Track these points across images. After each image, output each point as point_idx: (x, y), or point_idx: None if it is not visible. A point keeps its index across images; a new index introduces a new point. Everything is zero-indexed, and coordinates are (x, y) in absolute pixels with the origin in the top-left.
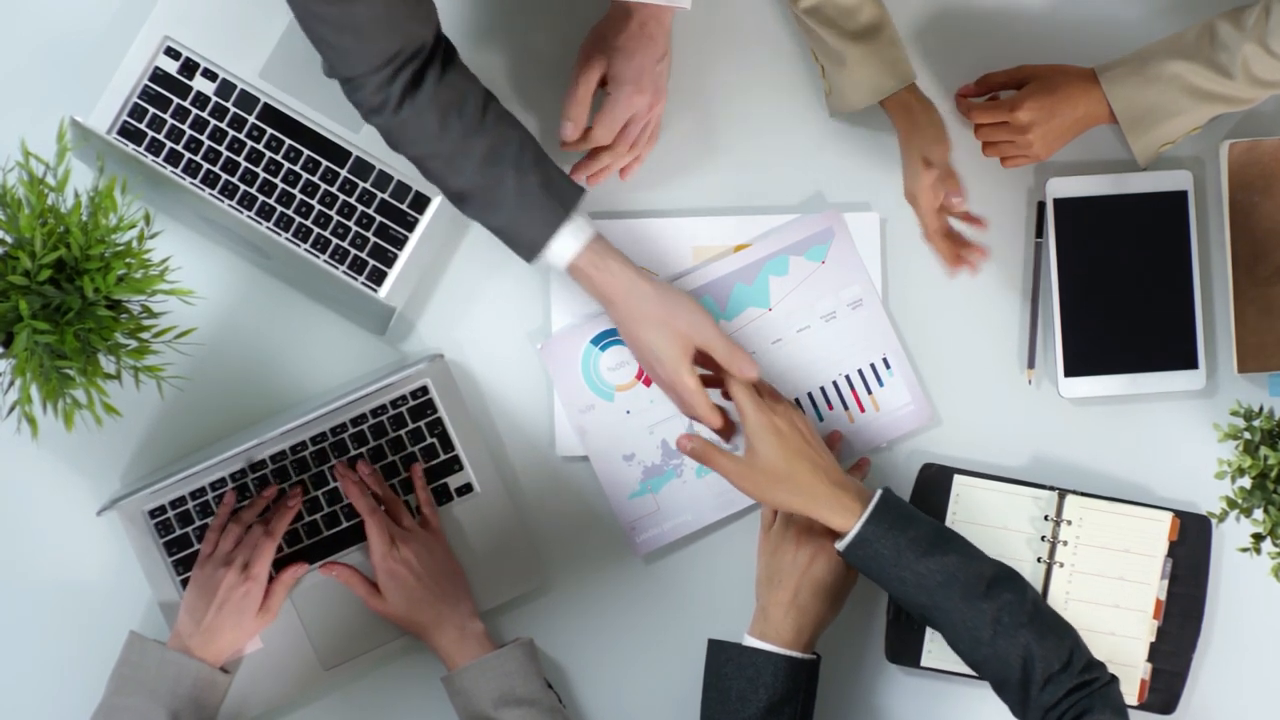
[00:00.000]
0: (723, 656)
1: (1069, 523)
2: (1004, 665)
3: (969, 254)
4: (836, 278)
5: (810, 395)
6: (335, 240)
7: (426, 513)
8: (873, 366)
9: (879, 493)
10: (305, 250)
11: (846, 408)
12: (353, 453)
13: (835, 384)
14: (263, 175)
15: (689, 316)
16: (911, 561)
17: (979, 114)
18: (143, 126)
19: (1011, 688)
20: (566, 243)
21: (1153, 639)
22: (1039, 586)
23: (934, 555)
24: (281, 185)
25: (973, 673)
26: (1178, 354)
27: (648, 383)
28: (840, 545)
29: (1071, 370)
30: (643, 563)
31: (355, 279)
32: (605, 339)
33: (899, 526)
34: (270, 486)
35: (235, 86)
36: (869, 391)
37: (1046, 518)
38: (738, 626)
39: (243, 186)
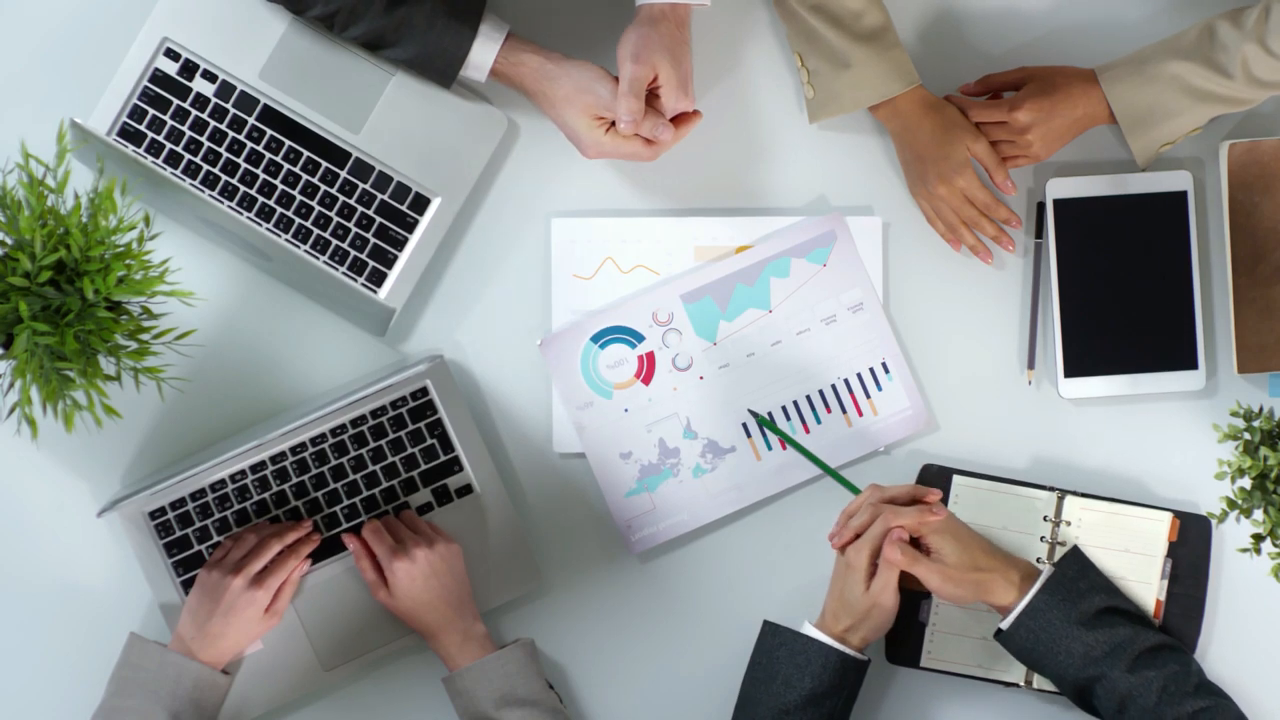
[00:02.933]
0: (776, 639)
1: (1068, 523)
2: None
3: (1001, 238)
4: (837, 281)
5: (809, 398)
6: (335, 241)
7: (431, 525)
8: (871, 371)
9: (1066, 558)
10: (305, 251)
11: (845, 411)
12: (352, 454)
13: (834, 387)
14: (262, 177)
15: (591, 88)
16: (1080, 634)
17: (979, 113)
18: (142, 128)
19: None
20: (482, 52)
21: None
22: None
23: (1103, 627)
24: (281, 186)
25: (976, 674)
26: (1178, 354)
27: (646, 381)
28: (1008, 621)
29: (1071, 371)
30: (641, 563)
31: (355, 280)
32: (605, 336)
33: (1075, 598)
34: (307, 520)
35: (235, 88)
36: (867, 396)
37: (1046, 518)
38: (736, 625)
39: (242, 188)
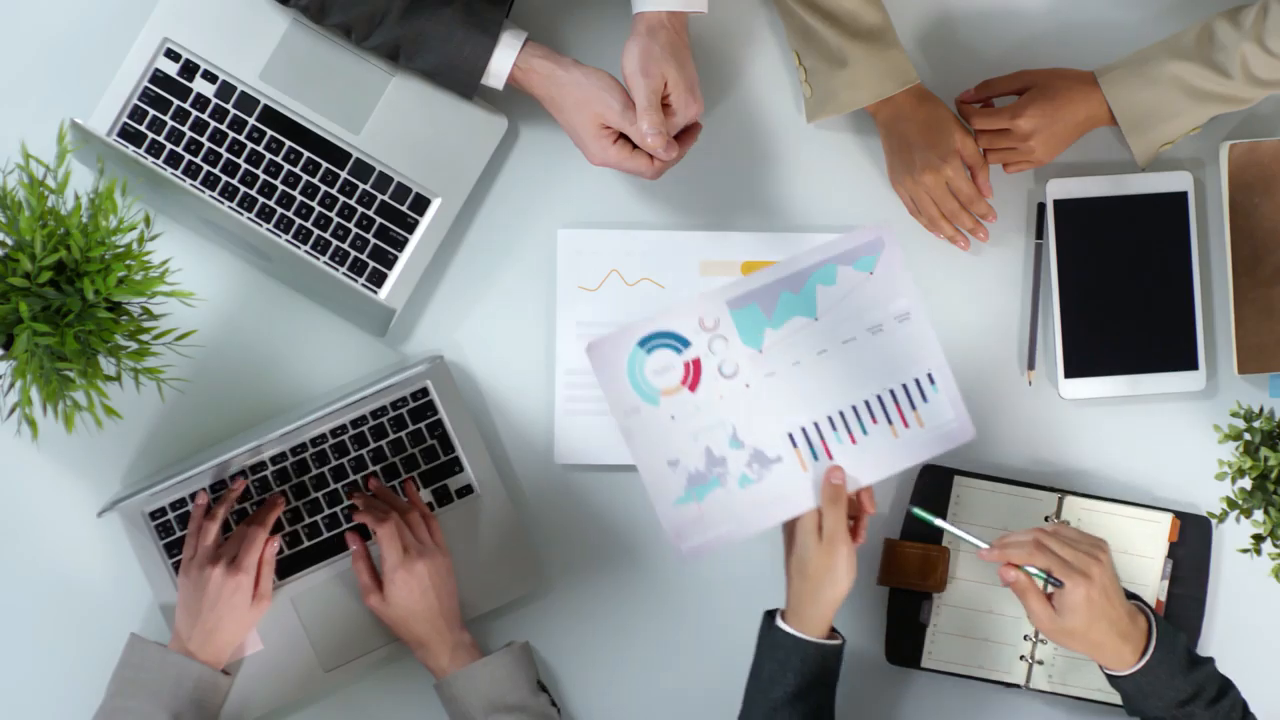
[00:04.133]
0: (765, 631)
1: (1069, 524)
2: None
3: (977, 230)
4: (885, 290)
5: (854, 408)
6: (335, 242)
7: (433, 529)
8: (917, 382)
9: (1155, 631)
10: (305, 252)
11: (890, 423)
12: (353, 454)
13: (879, 398)
14: (263, 177)
15: (600, 98)
16: (1180, 680)
17: (980, 120)
18: (143, 128)
19: None
20: (500, 60)
21: None
22: None
23: (1194, 671)
24: (281, 187)
25: (976, 674)
26: (1178, 355)
27: (693, 388)
28: (1122, 672)
29: (1071, 371)
30: (641, 566)
31: (355, 281)
32: (652, 341)
33: (1172, 658)
34: (239, 480)
35: (235, 88)
36: (913, 407)
37: (1046, 519)
38: (735, 631)
39: (243, 188)
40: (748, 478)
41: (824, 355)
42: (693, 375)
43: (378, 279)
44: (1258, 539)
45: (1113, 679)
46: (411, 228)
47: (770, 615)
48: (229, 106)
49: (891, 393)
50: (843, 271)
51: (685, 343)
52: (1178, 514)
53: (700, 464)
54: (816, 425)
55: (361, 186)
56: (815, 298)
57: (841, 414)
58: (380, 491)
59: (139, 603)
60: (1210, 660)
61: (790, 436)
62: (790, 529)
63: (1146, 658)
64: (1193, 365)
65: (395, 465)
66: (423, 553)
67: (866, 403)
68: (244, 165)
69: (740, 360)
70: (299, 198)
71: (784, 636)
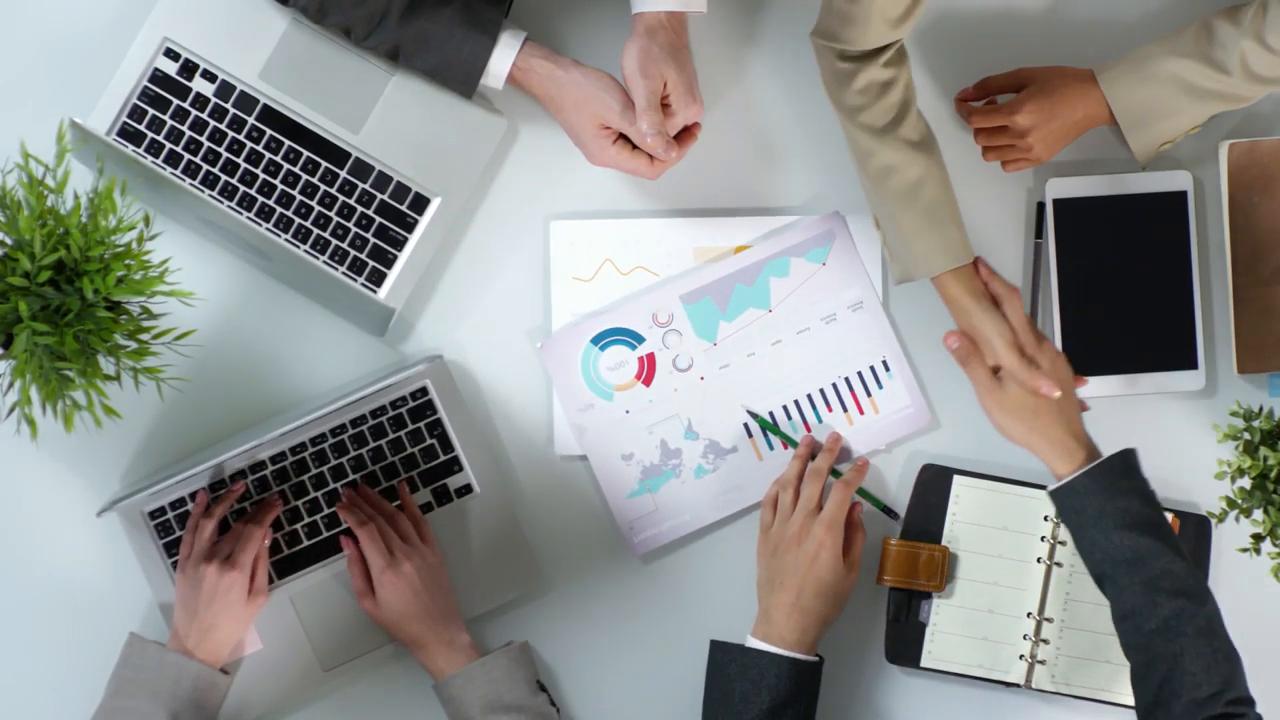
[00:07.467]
0: (725, 658)
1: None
2: (1152, 663)
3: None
4: (837, 280)
5: (809, 397)
6: (335, 241)
7: (422, 530)
8: (872, 369)
9: (1115, 454)
10: (305, 251)
11: (845, 410)
12: (352, 454)
13: (834, 386)
14: (262, 176)
15: (600, 99)
16: (1109, 529)
17: (979, 118)
18: (142, 128)
19: (1148, 686)
20: (500, 60)
21: None
22: (1038, 587)
23: (1132, 532)
24: (281, 186)
25: (976, 674)
26: (1177, 354)
27: (647, 382)
28: (1052, 487)
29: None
30: (641, 564)
31: (355, 280)
32: (605, 338)
33: (1113, 493)
34: (240, 481)
35: (235, 88)
36: (868, 394)
37: (1046, 518)
38: (737, 627)
39: (242, 188)
40: (703, 469)
41: (778, 346)
42: (647, 370)
43: (377, 278)
44: (1257, 538)
45: (1051, 492)
46: (411, 227)
47: (719, 643)
48: (228, 106)
49: (846, 380)
50: (795, 263)
51: (639, 338)
52: (1177, 513)
53: (655, 457)
54: (771, 415)
55: (361, 186)
56: (769, 289)
57: (796, 403)
58: (365, 495)
59: (138, 602)
60: (1174, 554)
61: (745, 427)
62: (766, 547)
63: (1080, 472)
64: (1192, 365)
65: (395, 465)
66: (410, 554)
67: (821, 391)
68: (243, 164)
69: (695, 353)
70: (298, 197)
71: (759, 654)
